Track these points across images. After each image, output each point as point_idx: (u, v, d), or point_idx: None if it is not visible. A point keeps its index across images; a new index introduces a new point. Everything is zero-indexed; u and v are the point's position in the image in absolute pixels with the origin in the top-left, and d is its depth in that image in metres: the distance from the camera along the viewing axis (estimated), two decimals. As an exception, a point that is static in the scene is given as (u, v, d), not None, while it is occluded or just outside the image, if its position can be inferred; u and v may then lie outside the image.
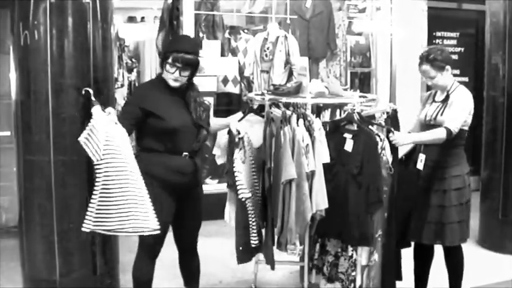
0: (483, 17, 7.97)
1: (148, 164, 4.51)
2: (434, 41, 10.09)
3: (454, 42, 10.35)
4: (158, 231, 4.38)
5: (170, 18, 8.54)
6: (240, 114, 5.34)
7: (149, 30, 9.80)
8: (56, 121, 4.70)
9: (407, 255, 5.60)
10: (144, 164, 4.50)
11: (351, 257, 5.26)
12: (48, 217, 4.80)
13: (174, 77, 4.54)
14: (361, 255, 5.24)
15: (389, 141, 5.15)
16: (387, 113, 5.47)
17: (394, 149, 5.21)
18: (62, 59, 4.74)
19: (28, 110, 4.81)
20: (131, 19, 10.56)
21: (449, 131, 5.06)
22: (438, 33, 10.16)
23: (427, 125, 5.36)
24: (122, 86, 9.60)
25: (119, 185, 4.25)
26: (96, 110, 4.35)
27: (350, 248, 5.26)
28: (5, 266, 6.18)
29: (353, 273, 5.23)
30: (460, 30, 10.38)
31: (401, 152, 5.42)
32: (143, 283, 4.84)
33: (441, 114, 5.26)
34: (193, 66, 4.59)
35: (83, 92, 4.57)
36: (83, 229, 4.32)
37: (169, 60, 4.51)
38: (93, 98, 4.48)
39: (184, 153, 4.58)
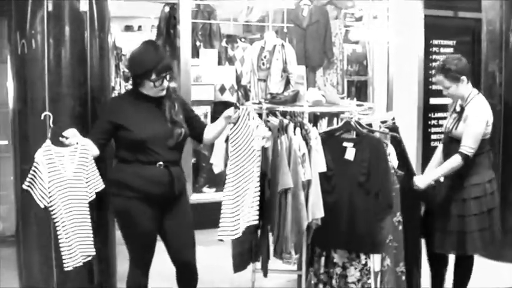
0: (479, 25, 7.98)
1: (123, 175, 4.49)
2: (430, 49, 10.10)
3: (450, 50, 10.35)
4: (91, 257, 4.44)
5: (167, 27, 8.59)
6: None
7: (146, 39, 9.79)
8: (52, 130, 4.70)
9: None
10: (120, 175, 4.51)
11: (365, 264, 5.22)
12: (45, 226, 4.78)
13: (162, 87, 4.47)
14: (374, 262, 5.22)
15: (394, 146, 5.17)
16: (387, 122, 5.48)
17: (403, 156, 5.24)
18: (59, 68, 4.75)
19: (25, 118, 4.82)
20: (128, 28, 10.60)
21: (464, 156, 5.13)
22: (435, 41, 10.16)
23: (448, 137, 5.45)
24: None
25: (70, 218, 4.29)
26: (39, 151, 4.25)
27: (363, 256, 5.22)
28: (2, 275, 6.16)
29: (369, 281, 5.20)
30: (457, 38, 10.39)
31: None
32: None
33: (455, 128, 5.32)
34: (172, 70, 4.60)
35: (42, 117, 4.43)
36: (66, 269, 4.32)
37: (153, 77, 4.40)
38: (51, 125, 4.35)
39: (159, 163, 4.46)
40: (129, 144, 4.45)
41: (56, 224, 4.21)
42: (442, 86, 5.37)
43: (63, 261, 4.27)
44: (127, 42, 10.08)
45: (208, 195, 7.72)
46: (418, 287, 5.67)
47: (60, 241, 4.24)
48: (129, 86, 10.30)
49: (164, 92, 4.52)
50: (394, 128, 5.51)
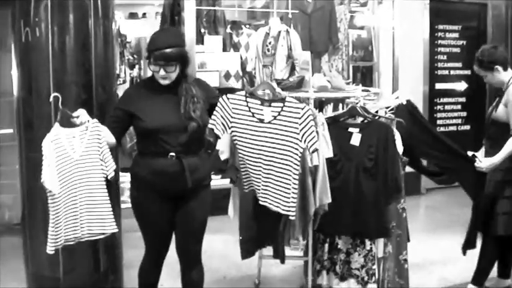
0: (485, 10, 7.98)
1: (137, 167, 4.43)
2: (436, 34, 10.06)
3: (456, 35, 10.31)
4: (115, 231, 4.36)
5: (172, 14, 8.55)
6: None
7: (151, 26, 9.78)
8: (56, 118, 4.70)
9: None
10: (135, 166, 4.46)
11: (370, 250, 5.21)
12: (51, 214, 4.80)
13: (160, 75, 4.29)
14: (377, 248, 5.21)
15: (400, 132, 5.16)
16: (397, 107, 5.49)
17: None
18: (63, 56, 4.74)
19: (30, 107, 4.82)
20: (132, 15, 10.57)
21: None
22: (440, 27, 10.11)
23: (488, 121, 5.53)
24: (124, 82, 9.61)
25: (65, 195, 4.16)
26: (47, 139, 4.14)
27: (368, 242, 5.21)
28: (8, 263, 6.17)
29: (373, 267, 5.19)
30: (462, 23, 10.33)
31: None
32: (146, 285, 4.77)
33: (495, 111, 5.39)
34: (177, 60, 4.30)
35: (51, 99, 4.34)
36: (48, 251, 4.20)
37: (152, 60, 4.27)
38: (60, 106, 4.23)
39: (170, 154, 4.31)
40: (143, 134, 4.37)
41: (50, 207, 4.12)
42: (480, 75, 5.47)
43: (48, 243, 4.16)
44: (131, 29, 10.05)
45: (214, 181, 7.69)
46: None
47: (50, 224, 4.14)
48: (134, 74, 10.32)
49: (166, 82, 4.33)
50: (410, 106, 5.51)
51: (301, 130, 4.25)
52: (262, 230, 5.41)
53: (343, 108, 5.52)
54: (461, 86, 10.31)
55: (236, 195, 5.42)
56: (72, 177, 4.16)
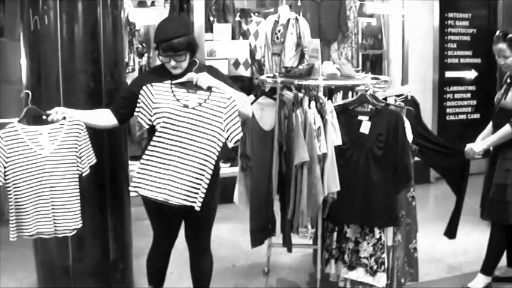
0: (495, -2, 7.92)
1: (144, 155, 4.30)
2: (446, 22, 10.01)
3: (466, 23, 10.26)
4: (78, 227, 4.33)
5: (181, 2, 8.54)
6: (251, 97, 5.30)
7: (160, 14, 9.74)
8: (66, 106, 4.67)
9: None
10: (142, 155, 4.38)
11: (379, 239, 5.19)
12: (61, 203, 4.80)
13: (171, 65, 4.29)
14: (387, 237, 5.20)
15: (409, 120, 5.16)
16: (402, 96, 5.48)
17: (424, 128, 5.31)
18: (72, 44, 4.73)
19: (39, 95, 4.80)
20: (141, 3, 10.52)
21: None
22: (450, 15, 10.06)
23: (497, 107, 5.50)
24: (133, 70, 9.57)
25: (31, 189, 4.15)
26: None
27: (377, 231, 5.19)
28: (18, 253, 6.19)
29: (383, 256, 5.18)
30: (472, 11, 10.28)
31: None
32: (154, 273, 4.80)
33: (504, 98, 5.37)
34: (186, 49, 4.29)
35: (22, 95, 4.39)
36: (10, 239, 4.22)
37: (160, 51, 4.27)
38: (29, 103, 4.25)
39: None
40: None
41: (8, 196, 4.13)
42: (502, 55, 5.31)
43: (10, 230, 4.18)
44: (140, 17, 10.02)
45: (222, 170, 7.69)
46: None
47: (10, 214, 4.16)
48: (143, 62, 10.29)
49: (177, 71, 4.31)
50: (412, 102, 5.50)
51: (225, 120, 4.17)
52: (271, 218, 5.42)
53: (352, 96, 5.49)
54: (471, 74, 10.27)
55: (242, 183, 5.43)
56: (40, 172, 4.14)
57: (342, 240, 5.28)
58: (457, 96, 10.26)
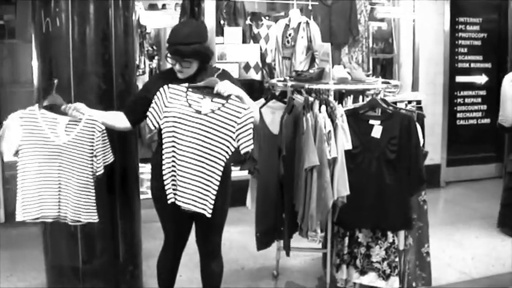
0: (506, 2, 7.91)
1: (155, 158, 4.37)
2: (456, 27, 10.01)
3: (477, 28, 10.25)
4: (92, 221, 4.37)
5: (191, 5, 8.55)
6: (262, 101, 5.31)
7: (170, 17, 9.78)
8: (77, 108, 4.71)
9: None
10: (153, 158, 4.44)
11: (393, 243, 5.18)
12: (71, 204, 4.81)
13: (176, 69, 4.30)
14: (399, 241, 5.19)
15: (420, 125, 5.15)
16: (416, 102, 5.47)
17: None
18: (83, 46, 4.74)
19: (50, 97, 4.83)
20: (152, 6, 10.55)
21: None
22: (461, 19, 10.06)
23: None
24: (144, 73, 9.61)
25: (39, 172, 4.25)
26: (17, 113, 4.30)
27: (390, 235, 5.18)
28: (27, 253, 6.21)
29: (396, 259, 5.17)
30: (483, 15, 10.27)
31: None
32: (164, 275, 4.78)
33: None
34: (193, 56, 4.25)
35: (55, 81, 4.47)
36: (16, 219, 4.32)
37: (168, 54, 4.28)
38: (54, 91, 4.38)
39: None
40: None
41: (18, 179, 4.25)
42: None
43: (16, 211, 4.30)
44: (151, 20, 10.05)
45: (233, 173, 7.69)
46: None
47: (17, 193, 4.27)
48: (153, 65, 10.32)
49: (182, 76, 4.31)
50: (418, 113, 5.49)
51: (237, 130, 4.15)
52: (278, 221, 5.42)
53: (363, 100, 5.49)
54: (482, 79, 10.26)
55: (254, 187, 5.43)
56: (51, 158, 4.24)
57: (354, 245, 5.27)
58: (467, 100, 10.25)
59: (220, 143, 4.13)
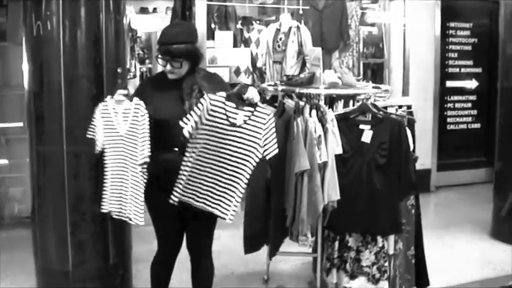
0: (497, 8, 7.93)
1: (150, 162, 4.31)
2: (447, 32, 10.04)
3: (467, 33, 10.29)
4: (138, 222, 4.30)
5: (182, 9, 8.53)
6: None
7: (161, 21, 9.77)
8: (68, 112, 4.71)
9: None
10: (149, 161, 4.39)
11: (382, 247, 5.19)
12: (61, 207, 4.82)
13: (167, 70, 4.30)
14: (388, 245, 5.20)
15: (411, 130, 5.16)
16: (407, 106, 5.48)
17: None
18: (74, 50, 4.75)
19: (41, 100, 4.83)
20: (143, 10, 10.55)
21: None
22: (452, 24, 10.09)
23: None
24: (134, 76, 9.59)
25: (112, 163, 4.31)
26: (98, 107, 4.33)
27: (380, 239, 5.19)
28: (18, 256, 6.19)
29: (386, 264, 5.18)
30: (474, 20, 10.32)
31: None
32: (157, 278, 4.77)
33: None
34: (183, 57, 4.27)
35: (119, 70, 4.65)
36: (102, 211, 4.38)
37: (158, 54, 4.27)
38: (119, 81, 4.51)
39: (175, 149, 4.29)
40: (151, 126, 4.28)
41: (104, 171, 4.33)
42: None
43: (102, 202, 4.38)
44: (142, 24, 10.04)
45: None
46: None
47: (104, 185, 4.34)
48: (144, 68, 10.32)
49: (173, 76, 4.32)
50: (409, 118, 5.50)
51: (263, 136, 4.18)
52: (266, 225, 5.43)
53: (353, 105, 5.50)
54: (472, 84, 10.30)
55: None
56: (119, 150, 4.28)
57: (344, 250, 5.28)
58: (457, 105, 10.28)
59: (250, 151, 4.17)
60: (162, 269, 4.73)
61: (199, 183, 4.18)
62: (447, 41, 10.08)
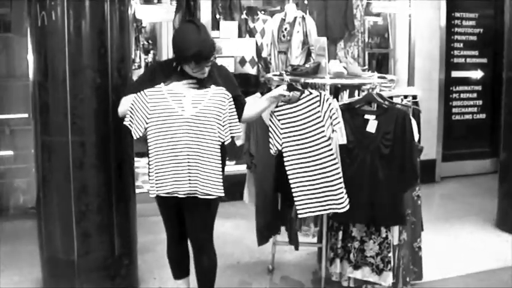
0: (502, -1, 7.89)
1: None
2: (453, 22, 10.00)
3: (473, 23, 10.25)
4: (221, 195, 4.34)
5: (187, 0, 8.53)
6: (257, 95, 5.30)
7: (166, 11, 9.75)
8: (73, 102, 4.71)
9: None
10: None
11: (386, 238, 5.18)
12: (66, 198, 4.81)
13: (201, 73, 4.35)
14: (393, 236, 5.18)
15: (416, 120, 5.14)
16: (412, 97, 5.47)
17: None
18: (79, 40, 4.74)
19: (46, 91, 4.83)
20: (148, 0, 10.55)
21: None
22: (457, 14, 10.06)
23: None
24: (139, 67, 9.61)
25: (169, 150, 4.27)
26: (145, 91, 4.31)
27: (383, 230, 5.18)
28: (23, 247, 6.20)
29: (389, 254, 5.16)
30: (479, 11, 10.27)
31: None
32: (175, 262, 4.83)
33: None
34: (213, 52, 4.34)
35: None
36: (150, 195, 4.35)
37: (192, 65, 4.28)
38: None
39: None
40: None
41: (149, 156, 4.29)
42: None
43: (150, 188, 4.33)
44: (146, 14, 10.03)
45: (228, 167, 7.69)
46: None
47: (149, 172, 4.31)
48: (149, 59, 10.31)
49: (204, 75, 4.38)
50: (414, 108, 5.48)
51: (224, 116, 4.28)
52: (276, 215, 5.43)
53: (358, 95, 5.48)
54: (477, 74, 10.27)
55: (251, 181, 5.42)
56: (180, 132, 4.26)
57: (348, 240, 5.27)
58: (463, 96, 10.25)
59: (212, 132, 4.28)
60: (176, 251, 4.79)
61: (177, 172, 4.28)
62: (452, 31, 10.04)
